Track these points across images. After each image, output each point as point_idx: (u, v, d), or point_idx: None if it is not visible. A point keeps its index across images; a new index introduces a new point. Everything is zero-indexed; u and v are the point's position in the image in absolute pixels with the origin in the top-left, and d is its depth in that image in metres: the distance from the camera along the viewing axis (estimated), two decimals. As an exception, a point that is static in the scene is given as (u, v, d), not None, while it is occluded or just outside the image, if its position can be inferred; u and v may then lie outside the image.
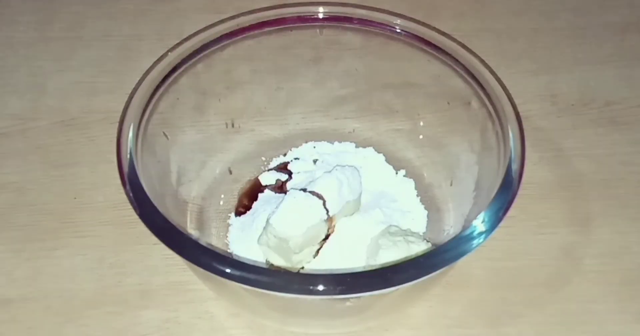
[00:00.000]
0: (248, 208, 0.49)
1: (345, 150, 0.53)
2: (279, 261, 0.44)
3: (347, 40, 0.47)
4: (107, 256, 0.49)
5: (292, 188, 0.46)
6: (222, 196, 0.50)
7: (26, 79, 0.60)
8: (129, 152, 0.40)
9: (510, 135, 0.41)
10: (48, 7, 0.65)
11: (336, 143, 0.53)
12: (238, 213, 0.49)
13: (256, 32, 0.47)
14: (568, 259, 0.49)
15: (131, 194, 0.38)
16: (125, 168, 0.39)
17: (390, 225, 0.46)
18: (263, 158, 0.53)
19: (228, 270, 0.34)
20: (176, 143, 0.47)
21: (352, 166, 0.47)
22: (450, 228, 0.47)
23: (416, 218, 0.49)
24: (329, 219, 0.44)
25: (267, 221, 0.43)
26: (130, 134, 0.41)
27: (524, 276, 0.48)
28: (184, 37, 0.46)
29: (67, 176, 0.53)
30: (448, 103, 0.44)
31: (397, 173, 0.51)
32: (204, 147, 0.50)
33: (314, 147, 0.53)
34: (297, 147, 0.53)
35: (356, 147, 0.53)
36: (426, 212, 0.49)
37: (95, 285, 0.47)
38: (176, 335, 0.45)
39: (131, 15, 0.64)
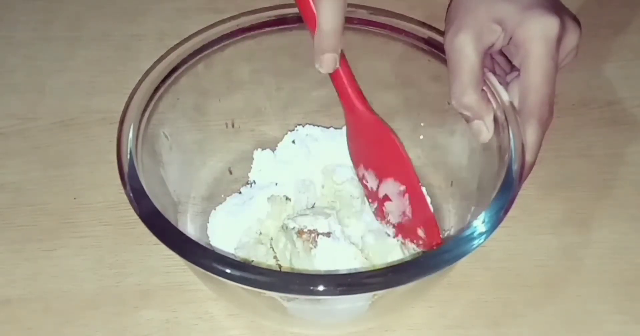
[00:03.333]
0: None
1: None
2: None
3: (347, 40, 0.47)
4: (107, 256, 0.49)
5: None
6: (222, 196, 0.50)
7: (26, 78, 0.60)
8: (129, 152, 0.40)
9: (511, 135, 0.41)
10: (48, 7, 0.65)
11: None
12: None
13: (256, 32, 0.47)
14: (568, 259, 0.49)
15: (131, 194, 0.38)
16: (125, 168, 0.39)
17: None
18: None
19: (228, 271, 0.34)
20: (176, 143, 0.47)
21: None
22: (450, 229, 0.47)
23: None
24: None
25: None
26: (130, 134, 0.41)
27: (524, 277, 0.48)
28: (184, 37, 0.46)
29: (66, 176, 0.53)
30: (448, 103, 0.44)
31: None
32: (204, 147, 0.50)
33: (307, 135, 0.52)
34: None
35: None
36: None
37: (95, 286, 0.47)
38: (176, 336, 0.45)
39: (131, 15, 0.64)
